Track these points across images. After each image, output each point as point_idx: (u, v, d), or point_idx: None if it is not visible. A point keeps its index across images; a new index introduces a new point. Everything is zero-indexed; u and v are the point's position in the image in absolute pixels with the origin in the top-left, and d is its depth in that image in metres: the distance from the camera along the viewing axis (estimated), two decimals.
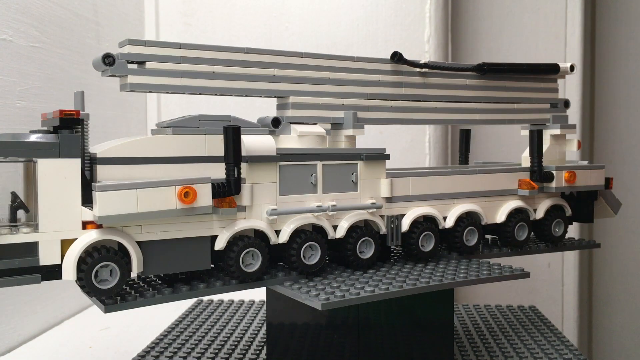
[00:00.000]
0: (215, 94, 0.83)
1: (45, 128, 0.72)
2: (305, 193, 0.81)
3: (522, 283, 1.79)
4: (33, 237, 0.66)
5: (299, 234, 0.80)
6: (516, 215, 0.98)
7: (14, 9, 1.10)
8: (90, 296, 0.71)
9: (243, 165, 0.76)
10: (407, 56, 0.92)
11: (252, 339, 1.04)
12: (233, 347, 1.00)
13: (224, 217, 0.76)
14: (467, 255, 0.95)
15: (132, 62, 0.79)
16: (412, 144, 1.61)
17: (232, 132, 0.73)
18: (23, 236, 0.66)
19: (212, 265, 0.80)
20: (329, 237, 0.82)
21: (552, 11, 1.73)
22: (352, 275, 0.83)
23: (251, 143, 0.78)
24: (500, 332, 1.09)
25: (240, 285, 0.78)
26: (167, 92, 0.82)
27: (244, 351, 0.98)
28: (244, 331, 1.09)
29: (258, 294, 1.32)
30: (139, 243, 0.72)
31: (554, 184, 0.99)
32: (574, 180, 0.99)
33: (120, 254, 0.69)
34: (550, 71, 1.05)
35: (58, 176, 0.68)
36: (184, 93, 0.82)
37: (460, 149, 1.18)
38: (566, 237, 1.06)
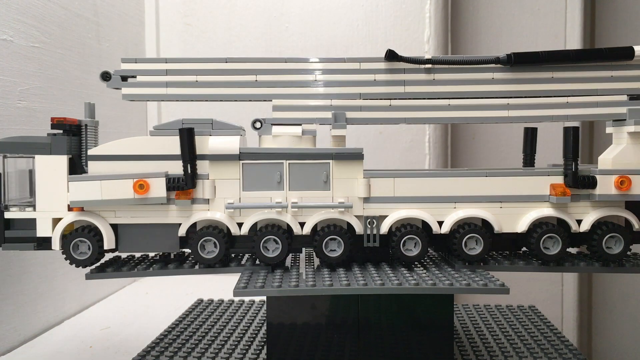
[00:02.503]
0: (204, 100, 0.92)
1: (60, 131, 0.89)
2: (270, 190, 0.87)
3: (522, 283, 1.79)
4: (32, 215, 0.86)
5: (262, 228, 0.87)
6: (543, 225, 0.86)
7: (14, 9, 1.10)
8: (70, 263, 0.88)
9: (205, 162, 0.87)
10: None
11: (252, 339, 1.04)
12: (233, 347, 1.01)
13: (181, 208, 0.87)
14: (472, 264, 0.88)
15: (128, 77, 0.91)
16: (412, 144, 1.62)
17: (186, 134, 0.85)
18: (26, 213, 0.87)
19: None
20: (295, 233, 0.87)
21: (552, 11, 1.73)
22: (315, 271, 0.86)
23: (216, 143, 0.87)
24: (500, 332, 1.09)
25: (205, 270, 0.89)
26: (156, 101, 0.94)
27: (244, 351, 0.98)
28: (244, 331, 1.09)
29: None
30: (116, 225, 0.88)
31: (597, 191, 0.85)
32: (628, 187, 0.84)
33: (93, 233, 0.86)
34: (619, 57, 0.88)
35: (49, 169, 0.86)
36: (172, 101, 0.93)
37: (525, 149, 1.04)
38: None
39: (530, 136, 1.03)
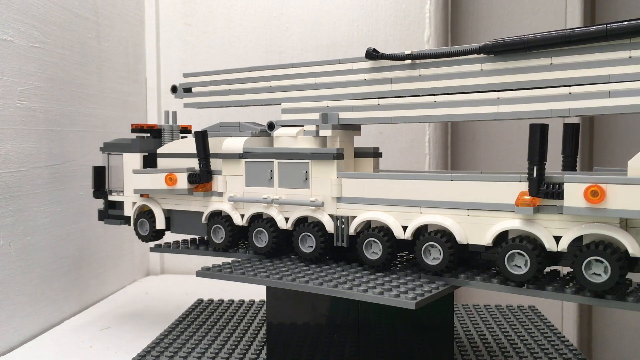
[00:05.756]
0: (233, 106, 1.04)
1: (147, 134, 1.12)
2: (264, 186, 0.94)
3: None
4: (121, 198, 1.12)
5: (254, 220, 0.95)
6: (511, 239, 0.74)
7: (14, 9, 1.10)
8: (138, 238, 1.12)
9: (218, 160, 0.98)
10: None
11: (252, 339, 1.04)
12: (233, 347, 1.01)
13: (202, 198, 1.01)
14: (434, 275, 0.81)
15: (187, 90, 1.08)
16: (412, 144, 1.62)
17: (200, 136, 0.96)
18: (119, 197, 1.13)
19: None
20: (280, 227, 0.93)
21: (552, 11, 1.73)
22: (293, 265, 0.91)
23: (227, 143, 0.98)
24: (500, 332, 1.09)
25: (221, 254, 1.01)
26: (202, 108, 1.09)
27: (244, 351, 0.98)
28: (244, 331, 1.09)
29: (258, 294, 1.32)
30: (169, 210, 1.08)
31: (565, 203, 0.69)
32: (601, 199, 0.66)
33: (150, 215, 1.08)
34: (629, 33, 0.68)
35: (130, 163, 1.09)
36: (213, 107, 1.07)
37: (565, 149, 0.89)
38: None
39: (572, 134, 0.88)
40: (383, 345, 0.88)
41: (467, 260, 0.85)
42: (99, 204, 1.18)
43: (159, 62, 1.69)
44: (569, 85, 0.73)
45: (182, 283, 1.59)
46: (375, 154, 0.98)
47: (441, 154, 1.63)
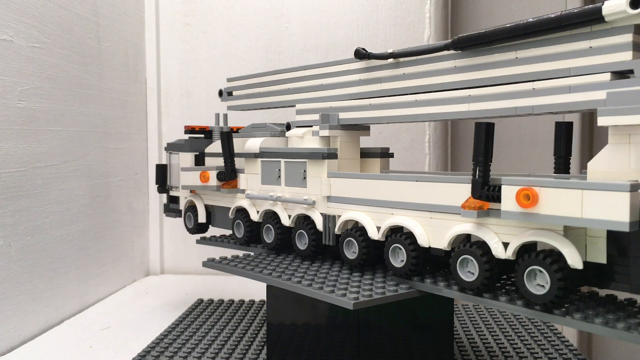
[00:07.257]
0: (262, 109, 1.09)
1: (202, 135, 1.22)
2: (274, 184, 0.98)
3: None
4: (177, 194, 1.22)
5: (265, 217, 1.00)
6: (463, 245, 0.71)
7: (14, 9, 1.10)
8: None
9: (241, 159, 1.03)
10: None
11: (252, 339, 1.05)
12: (233, 347, 1.01)
13: (228, 195, 1.08)
14: (400, 277, 0.80)
15: (229, 93, 1.15)
16: (412, 144, 1.62)
17: (225, 136, 1.02)
18: (176, 192, 1.22)
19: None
20: (283, 224, 0.96)
21: (552, 11, 1.73)
22: (291, 261, 0.95)
23: (249, 144, 1.02)
24: (500, 332, 1.09)
25: (246, 248, 1.07)
26: (239, 110, 1.15)
27: (244, 351, 0.98)
28: (244, 331, 1.09)
29: (258, 294, 1.32)
30: (212, 206, 1.16)
31: (501, 206, 0.64)
32: (533, 203, 0.60)
33: (194, 210, 1.17)
34: (583, 21, 0.62)
35: (184, 162, 1.18)
36: (247, 110, 1.13)
37: (557, 150, 0.82)
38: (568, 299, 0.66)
39: (565, 133, 0.82)
40: (383, 345, 0.88)
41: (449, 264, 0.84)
42: (99, 204, 1.19)
43: (159, 62, 1.69)
44: (533, 81, 0.67)
45: (182, 283, 1.59)
46: (383, 154, 0.99)
47: (441, 154, 1.63)
